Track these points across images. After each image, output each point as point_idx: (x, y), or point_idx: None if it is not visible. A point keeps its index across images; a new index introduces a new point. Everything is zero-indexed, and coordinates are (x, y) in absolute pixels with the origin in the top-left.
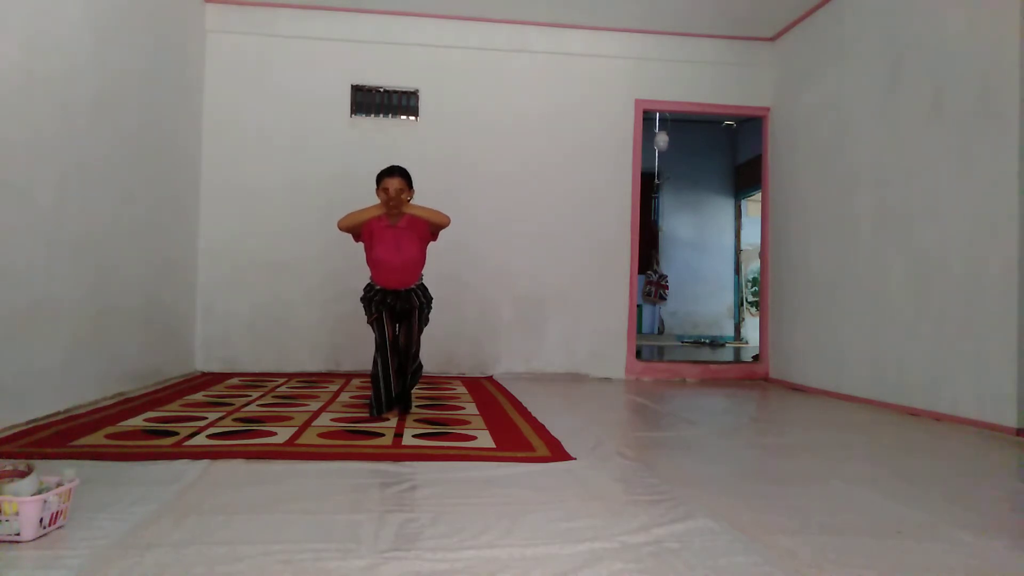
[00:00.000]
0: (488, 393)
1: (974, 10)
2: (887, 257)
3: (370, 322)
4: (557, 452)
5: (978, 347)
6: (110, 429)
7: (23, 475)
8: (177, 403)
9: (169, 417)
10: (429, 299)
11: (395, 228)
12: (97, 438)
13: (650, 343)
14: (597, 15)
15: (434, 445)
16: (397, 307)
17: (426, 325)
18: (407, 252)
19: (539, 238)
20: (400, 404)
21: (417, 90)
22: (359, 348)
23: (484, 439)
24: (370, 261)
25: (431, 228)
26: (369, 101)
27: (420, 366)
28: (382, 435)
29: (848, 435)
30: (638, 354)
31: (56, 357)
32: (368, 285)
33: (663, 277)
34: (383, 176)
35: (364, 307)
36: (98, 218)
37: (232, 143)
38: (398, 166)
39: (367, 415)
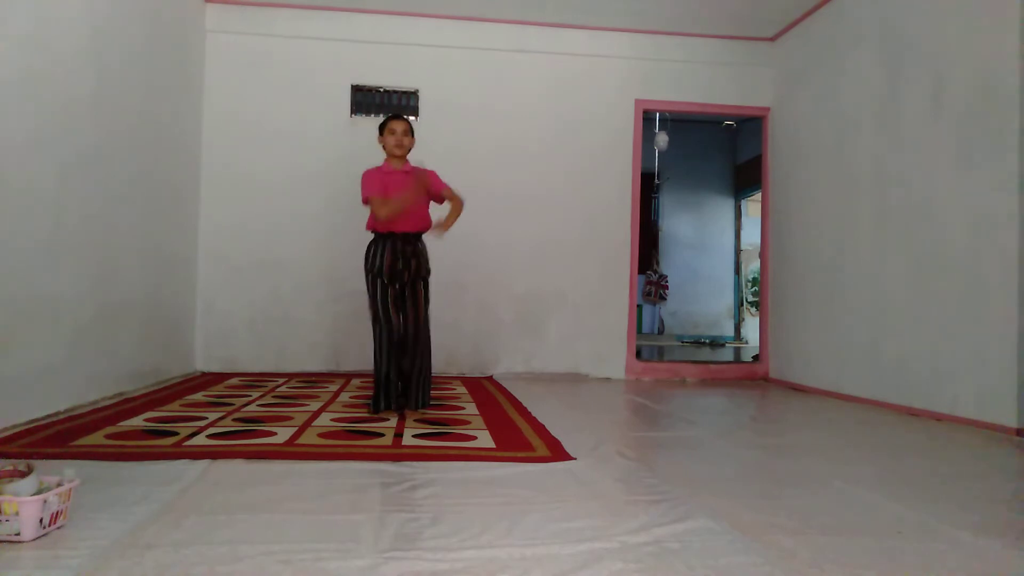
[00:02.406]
0: (488, 393)
1: (973, 10)
2: (887, 257)
3: (372, 304)
4: (557, 452)
5: (978, 347)
6: (110, 429)
7: (23, 475)
8: (177, 403)
9: (169, 417)
10: (428, 259)
11: (400, 172)
12: (97, 438)
13: (650, 343)
14: (597, 15)
15: (434, 445)
16: (407, 265)
17: (428, 303)
18: (412, 191)
19: (539, 238)
20: (406, 399)
21: (417, 90)
22: (359, 348)
23: (484, 439)
24: (378, 205)
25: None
26: (369, 101)
27: (428, 357)
28: (382, 435)
29: (848, 435)
30: (638, 354)
31: (56, 356)
32: (369, 246)
33: (663, 277)
34: (388, 120)
35: (367, 283)
36: (98, 217)
37: (232, 143)
38: (400, 114)
39: (366, 414)
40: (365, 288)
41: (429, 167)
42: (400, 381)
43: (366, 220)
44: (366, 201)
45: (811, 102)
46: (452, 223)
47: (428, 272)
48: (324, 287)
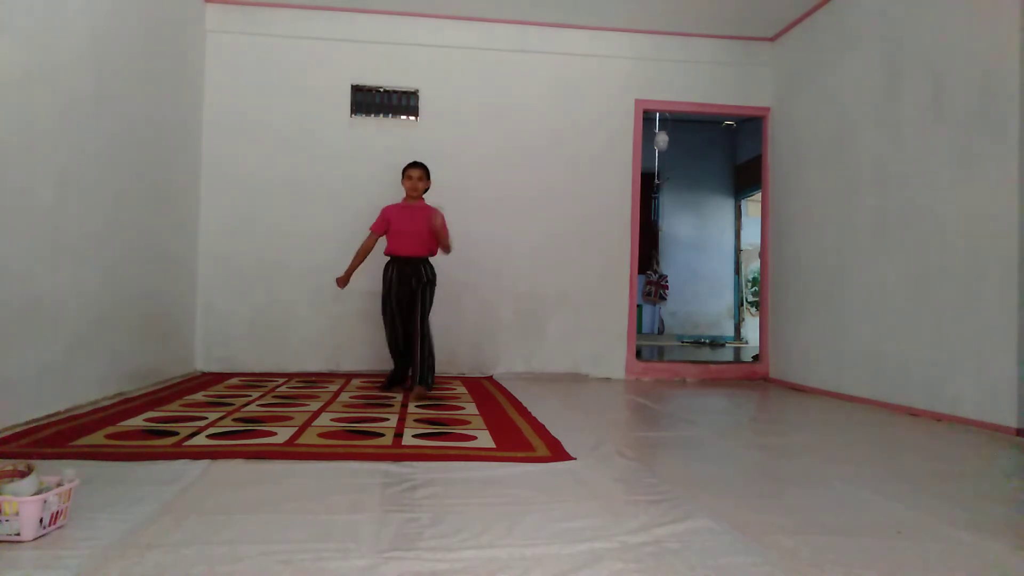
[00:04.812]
0: (488, 393)
1: (974, 10)
2: (887, 257)
3: (383, 314)
4: (557, 452)
5: (978, 347)
6: (110, 429)
7: (23, 475)
8: (177, 403)
9: (169, 417)
10: (434, 276)
11: (411, 207)
12: (97, 438)
13: (650, 343)
14: (597, 15)
15: (434, 445)
16: (408, 282)
17: (431, 304)
18: (418, 224)
19: (539, 238)
20: (412, 378)
21: (417, 90)
22: (359, 348)
23: (484, 439)
24: (389, 236)
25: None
26: (369, 101)
27: (430, 343)
28: (382, 435)
29: (848, 435)
30: (638, 354)
31: (56, 357)
32: (385, 267)
33: (663, 277)
34: (407, 168)
35: (382, 296)
36: (98, 217)
37: (232, 143)
38: (419, 161)
39: (373, 414)
40: (366, 288)
41: (440, 201)
42: (407, 366)
43: (369, 225)
44: (372, 229)
45: (811, 102)
46: (441, 232)
47: (429, 282)
48: (324, 287)
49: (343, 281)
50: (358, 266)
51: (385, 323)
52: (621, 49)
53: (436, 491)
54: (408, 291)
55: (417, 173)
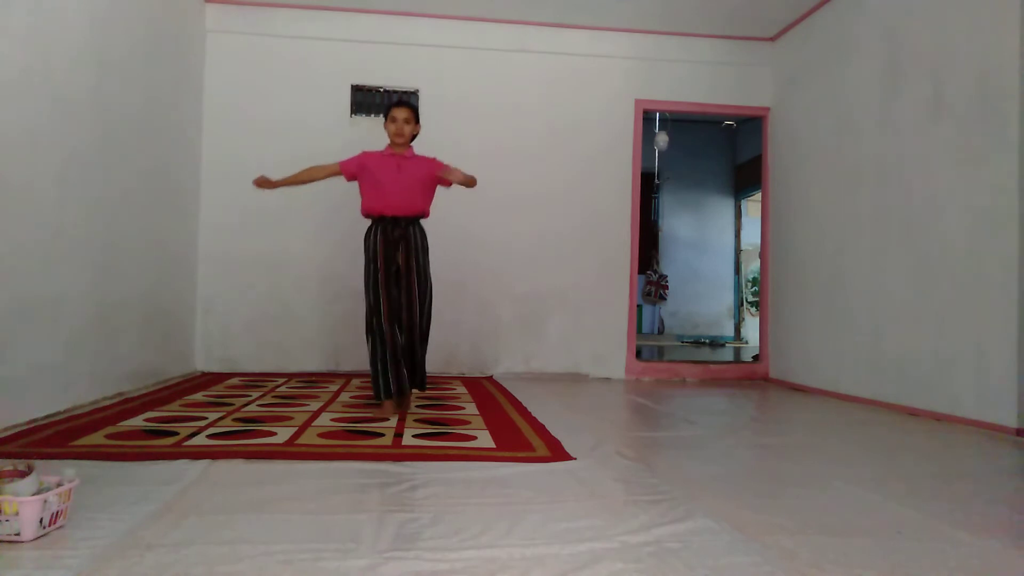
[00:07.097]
0: (488, 393)
1: (974, 10)
2: (887, 257)
3: (367, 290)
4: (557, 452)
5: (978, 347)
6: (110, 429)
7: (23, 475)
8: (177, 403)
9: (169, 417)
10: (426, 243)
11: (398, 157)
12: (97, 438)
13: (650, 343)
14: (597, 15)
15: (434, 445)
16: (395, 246)
17: (431, 292)
18: (407, 177)
19: (539, 238)
20: (411, 381)
21: (417, 90)
22: (359, 348)
23: (484, 439)
24: (368, 189)
25: (447, 178)
26: (369, 101)
27: (426, 343)
28: (382, 435)
29: (848, 435)
30: (638, 354)
31: (56, 356)
32: (366, 232)
33: (663, 277)
34: (392, 107)
35: (364, 268)
36: (98, 217)
37: (232, 143)
38: (405, 100)
39: (369, 414)
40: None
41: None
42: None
43: (366, 221)
44: (339, 164)
45: (811, 102)
46: (459, 177)
47: (422, 249)
48: (324, 287)
49: (263, 181)
50: (288, 184)
51: (368, 301)
52: (621, 49)
53: (436, 491)
54: (396, 261)
55: (403, 114)
